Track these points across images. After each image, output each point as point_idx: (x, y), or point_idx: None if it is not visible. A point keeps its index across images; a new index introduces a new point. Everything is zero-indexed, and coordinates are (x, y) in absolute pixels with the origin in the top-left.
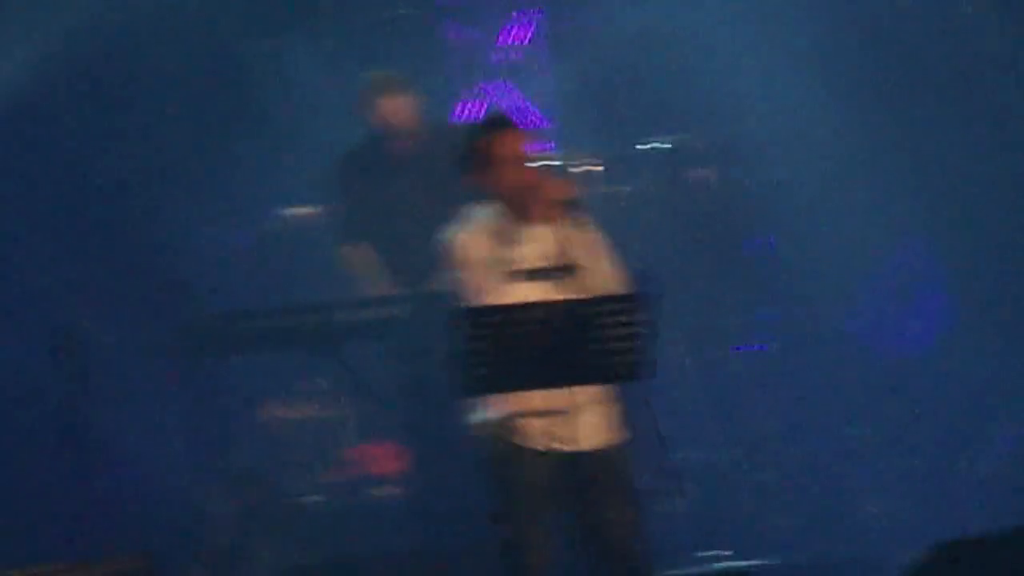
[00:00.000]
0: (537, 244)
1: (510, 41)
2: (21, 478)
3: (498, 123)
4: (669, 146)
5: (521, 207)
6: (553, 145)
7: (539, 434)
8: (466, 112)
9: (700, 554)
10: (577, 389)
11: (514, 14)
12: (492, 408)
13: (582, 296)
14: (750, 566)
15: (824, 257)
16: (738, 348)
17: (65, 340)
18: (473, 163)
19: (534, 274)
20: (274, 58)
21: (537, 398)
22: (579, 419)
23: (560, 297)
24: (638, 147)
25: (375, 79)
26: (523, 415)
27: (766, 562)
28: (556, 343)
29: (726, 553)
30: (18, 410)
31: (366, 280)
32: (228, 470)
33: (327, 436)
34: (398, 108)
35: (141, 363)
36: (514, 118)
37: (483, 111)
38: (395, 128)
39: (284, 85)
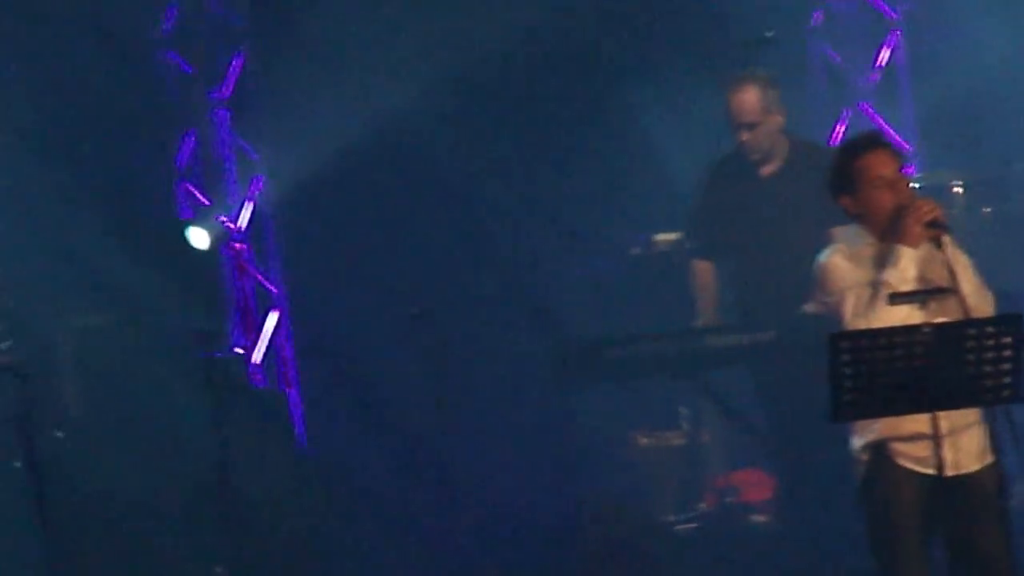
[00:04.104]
0: (907, 266)
1: (875, 63)
2: (387, 504)
3: (870, 143)
4: None
5: (891, 229)
6: (916, 166)
7: (912, 458)
8: (834, 133)
9: None
10: (949, 412)
11: (879, 36)
12: (865, 432)
13: (952, 318)
14: None
15: None
16: None
17: (435, 363)
18: (843, 184)
19: (904, 297)
20: (639, 82)
21: (910, 422)
22: (951, 442)
23: (930, 320)
24: (1002, 167)
25: (732, 77)
26: (896, 439)
27: None
28: (927, 366)
29: None
30: (384, 432)
31: (703, 299)
32: (598, 498)
33: (696, 464)
34: (745, 100)
35: (510, 389)
36: (885, 138)
37: (851, 132)
38: (741, 121)
39: (653, 108)
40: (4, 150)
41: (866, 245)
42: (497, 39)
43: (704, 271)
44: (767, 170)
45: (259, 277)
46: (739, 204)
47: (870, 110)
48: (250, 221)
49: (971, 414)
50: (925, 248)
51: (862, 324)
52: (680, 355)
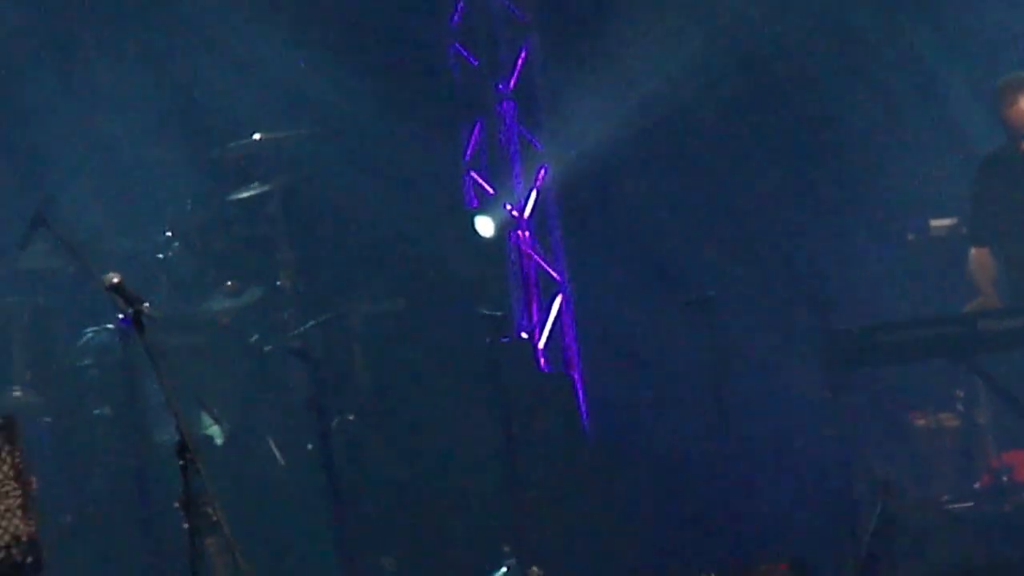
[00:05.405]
0: None
1: None
2: (668, 487)
3: None
4: None
5: None
6: None
7: None
8: None
9: None
10: None
11: None
12: None
13: None
14: None
15: None
16: None
17: (711, 349)
18: None
19: None
20: (912, 71)
21: None
22: None
23: None
24: None
25: (1010, 78)
26: None
27: None
28: None
29: None
30: (663, 417)
31: (982, 284)
32: (875, 477)
33: (970, 444)
34: (1022, 112)
35: (786, 373)
36: None
37: None
38: (1022, 133)
39: (928, 97)
40: (306, 140)
41: None
42: (769, 28)
43: (982, 257)
44: None
45: (543, 264)
46: (1015, 194)
47: None
48: (534, 209)
49: None
50: None
51: None
52: (955, 339)
